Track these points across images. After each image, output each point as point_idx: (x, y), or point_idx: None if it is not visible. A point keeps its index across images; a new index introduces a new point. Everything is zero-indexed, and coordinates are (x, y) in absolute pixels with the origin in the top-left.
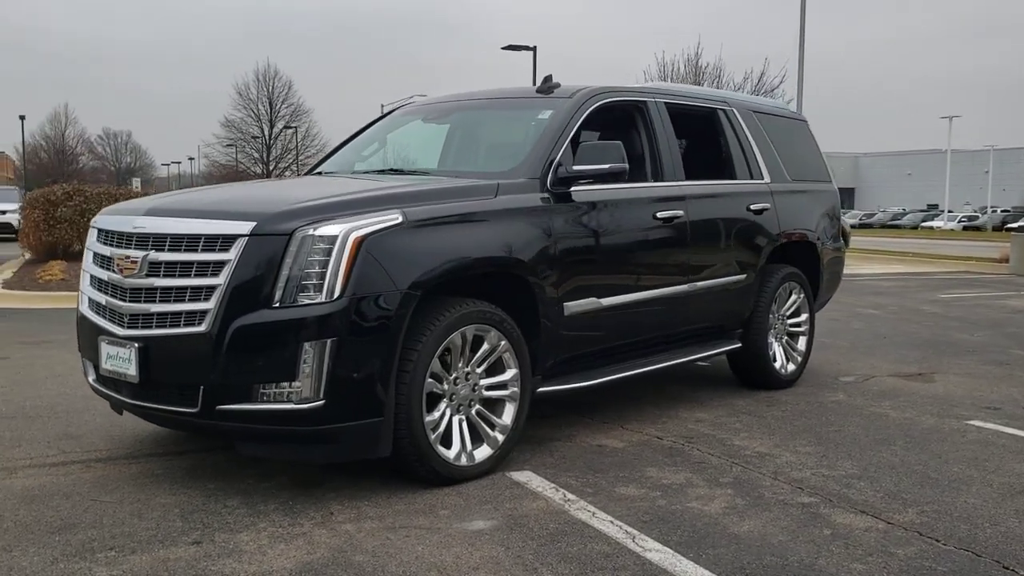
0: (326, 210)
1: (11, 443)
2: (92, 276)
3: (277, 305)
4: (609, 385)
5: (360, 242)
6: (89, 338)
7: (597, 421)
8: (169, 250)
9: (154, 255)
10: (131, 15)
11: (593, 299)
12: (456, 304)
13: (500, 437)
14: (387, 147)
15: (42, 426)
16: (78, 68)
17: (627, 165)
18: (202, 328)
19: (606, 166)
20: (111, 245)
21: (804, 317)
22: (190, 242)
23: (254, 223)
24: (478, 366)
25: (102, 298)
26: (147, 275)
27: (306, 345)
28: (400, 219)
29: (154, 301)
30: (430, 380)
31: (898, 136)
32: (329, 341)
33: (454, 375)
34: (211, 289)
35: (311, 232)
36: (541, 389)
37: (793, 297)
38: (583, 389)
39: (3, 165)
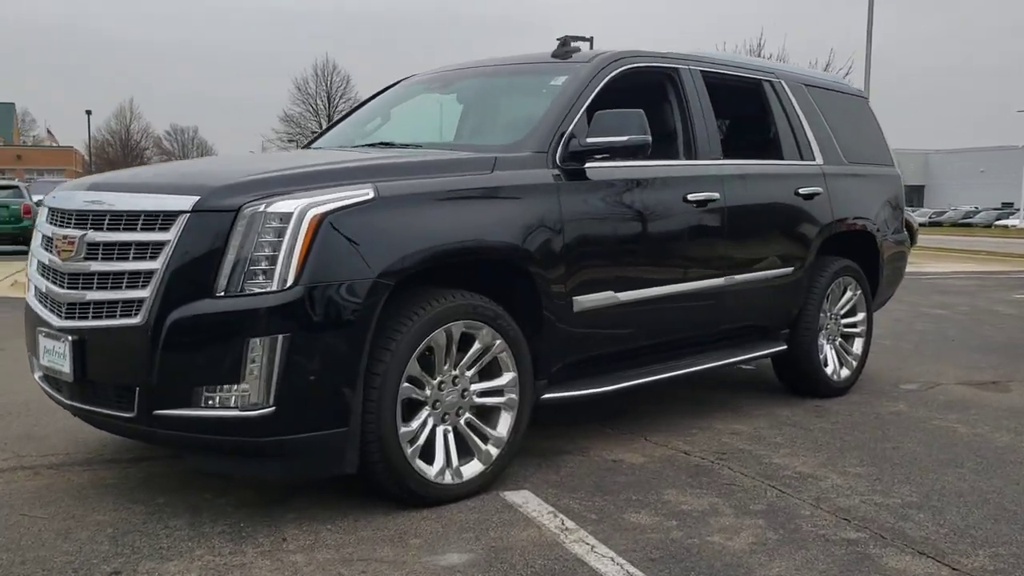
0: (284, 183)
1: None
2: (38, 261)
3: (221, 294)
4: (625, 392)
5: (320, 220)
6: (31, 330)
7: (619, 431)
8: (108, 229)
9: (91, 235)
10: (193, 17)
11: (610, 293)
12: (439, 296)
13: (494, 451)
14: (391, 121)
15: (5, 425)
16: (142, 66)
17: (650, 137)
18: (137, 320)
19: (624, 138)
20: (55, 224)
21: (860, 316)
22: (129, 220)
23: (197, 197)
24: (468, 369)
25: (44, 284)
26: (84, 258)
27: (253, 342)
28: (371, 195)
29: (91, 288)
30: (407, 385)
31: (971, 132)
32: (280, 337)
33: (438, 379)
34: (148, 275)
35: (261, 208)
36: (546, 396)
37: (848, 294)
38: (595, 396)
39: (72, 159)
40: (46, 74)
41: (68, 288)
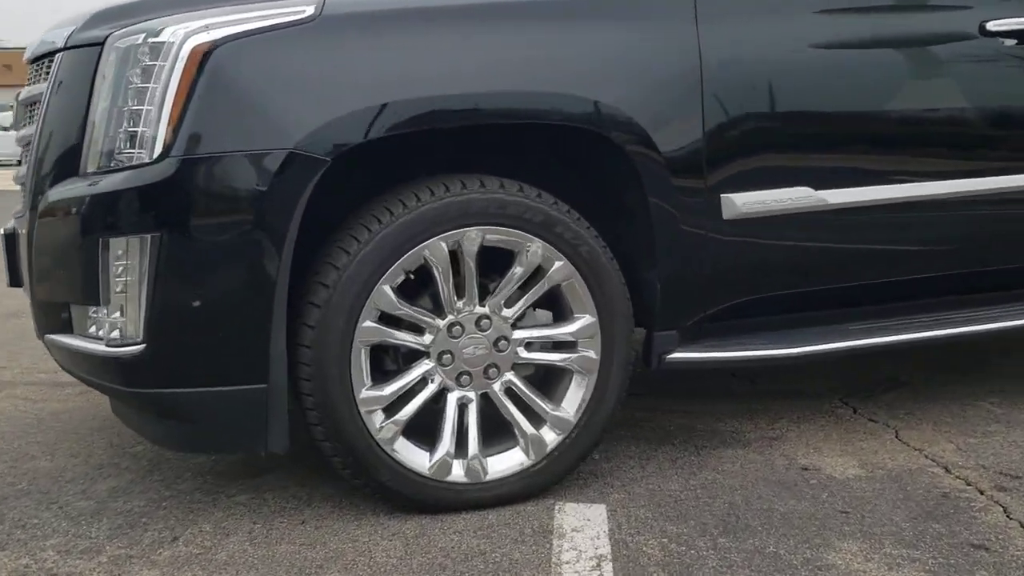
0: (178, 4)
1: None
2: None
3: (89, 170)
4: (820, 358)
5: (205, 54)
6: None
7: (820, 404)
8: (28, 83)
9: (24, 92)
10: None
11: (805, 191)
12: (436, 184)
13: (551, 439)
14: None
15: None
16: None
17: None
18: (18, 210)
19: None
20: None
21: None
22: (35, 66)
23: (71, 28)
24: (506, 306)
25: None
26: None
27: (112, 243)
28: (309, 12)
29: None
30: (371, 325)
31: None
32: (147, 239)
33: (448, 319)
34: (27, 146)
35: (131, 40)
36: (676, 356)
37: None
38: (765, 362)
39: None
40: None
41: None
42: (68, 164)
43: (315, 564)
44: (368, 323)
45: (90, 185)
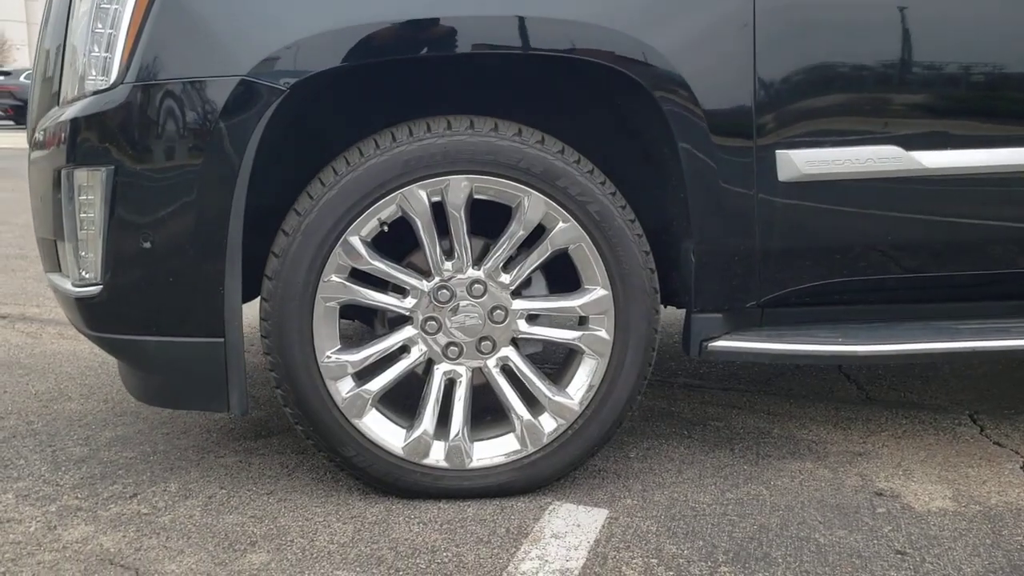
0: None
1: None
2: None
3: (70, 98)
4: (917, 360)
5: None
6: None
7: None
8: None
9: None
10: None
11: (893, 149)
12: (419, 124)
13: (549, 427)
14: None
15: None
16: None
17: None
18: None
19: None
20: None
21: None
22: None
23: None
24: (504, 270)
25: None
26: None
27: (75, 175)
28: None
29: None
30: (336, 280)
31: None
32: (103, 172)
33: (435, 281)
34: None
35: None
36: (719, 344)
37: None
38: (829, 358)
39: None
40: None
41: None
42: (51, 91)
43: (249, 540)
44: (334, 278)
45: (60, 114)
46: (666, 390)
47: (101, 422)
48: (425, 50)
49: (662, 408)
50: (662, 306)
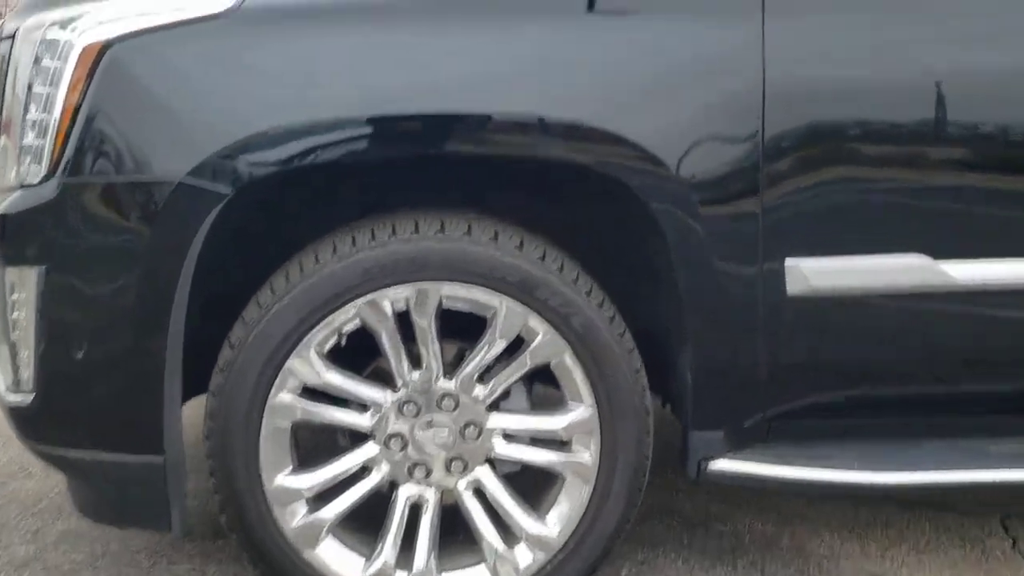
0: None
1: None
2: None
3: (3, 186)
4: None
5: (97, 55)
6: None
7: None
8: None
9: None
10: None
11: (918, 258)
12: (384, 226)
13: (525, 560)
14: None
15: None
16: None
17: None
18: None
19: None
20: None
21: None
22: None
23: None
24: (478, 381)
25: None
26: None
27: (7, 272)
28: (228, 4)
29: None
30: (288, 397)
31: None
32: (35, 271)
33: (400, 393)
34: None
35: (36, 33)
36: (720, 465)
37: None
38: (849, 490)
39: None
40: None
41: None
42: None
43: None
44: (284, 396)
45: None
46: (667, 477)
47: (55, 509)
48: (386, 152)
49: (661, 503)
50: (663, 407)
